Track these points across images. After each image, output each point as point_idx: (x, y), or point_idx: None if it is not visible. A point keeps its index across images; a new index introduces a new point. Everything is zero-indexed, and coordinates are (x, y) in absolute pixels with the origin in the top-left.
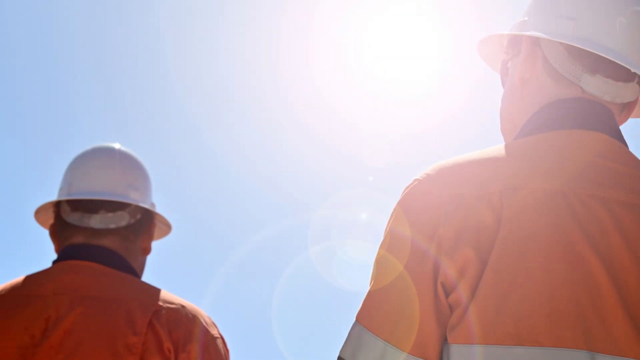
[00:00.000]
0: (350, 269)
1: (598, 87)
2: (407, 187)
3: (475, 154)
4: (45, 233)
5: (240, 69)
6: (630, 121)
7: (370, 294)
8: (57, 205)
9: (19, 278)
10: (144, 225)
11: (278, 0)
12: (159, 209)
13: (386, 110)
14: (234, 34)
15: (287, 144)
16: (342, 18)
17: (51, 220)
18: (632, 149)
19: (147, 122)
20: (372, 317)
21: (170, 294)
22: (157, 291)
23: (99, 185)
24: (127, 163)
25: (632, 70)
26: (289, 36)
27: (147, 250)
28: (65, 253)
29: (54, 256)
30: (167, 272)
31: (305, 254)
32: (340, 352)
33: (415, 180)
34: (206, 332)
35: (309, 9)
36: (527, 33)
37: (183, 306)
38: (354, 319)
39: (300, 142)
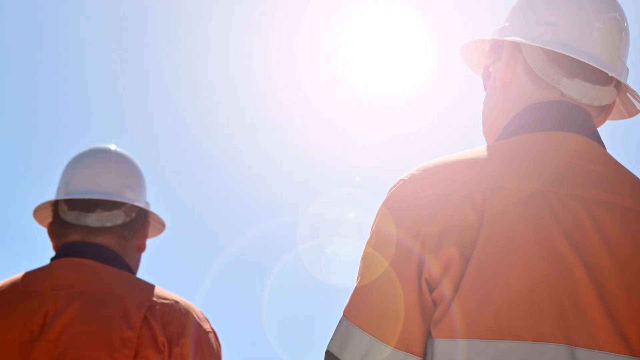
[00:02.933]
0: (338, 266)
1: (577, 90)
2: (393, 187)
3: (459, 155)
4: (43, 231)
5: (230, 72)
6: (609, 123)
7: (357, 290)
8: (55, 204)
9: (18, 274)
10: (139, 223)
11: (268, 6)
12: (153, 208)
13: (373, 113)
14: (224, 37)
15: (277, 145)
16: (330, 23)
17: (49, 219)
18: (609, 149)
19: (141, 124)
20: (359, 313)
21: (164, 290)
22: (151, 287)
23: (95, 185)
24: (122, 163)
25: (610, 74)
26: (278, 40)
27: (141, 248)
28: (62, 250)
29: (52, 253)
30: (161, 269)
31: (294, 251)
32: (328, 346)
33: (400, 180)
34: (199, 326)
35: (297, 13)
36: (508, 38)
37: (176, 302)
38: (341, 314)
39: (289, 143)
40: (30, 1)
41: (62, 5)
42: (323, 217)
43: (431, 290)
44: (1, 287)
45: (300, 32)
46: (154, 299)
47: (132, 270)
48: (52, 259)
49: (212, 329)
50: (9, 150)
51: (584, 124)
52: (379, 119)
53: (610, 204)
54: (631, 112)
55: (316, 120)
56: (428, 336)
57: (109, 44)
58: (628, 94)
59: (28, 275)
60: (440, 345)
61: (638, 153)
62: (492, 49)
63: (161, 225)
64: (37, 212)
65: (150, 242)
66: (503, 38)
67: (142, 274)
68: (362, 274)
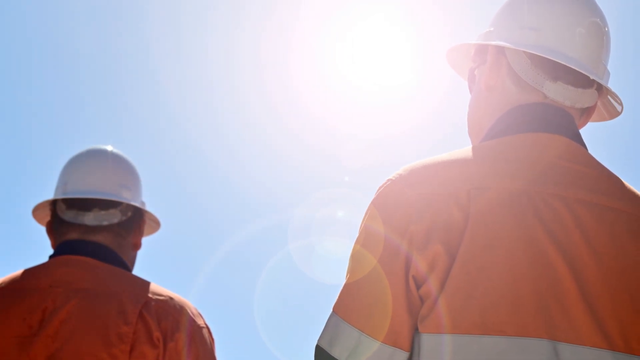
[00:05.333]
0: (328, 263)
1: (559, 93)
2: (381, 187)
3: (445, 155)
4: (42, 229)
5: (224, 73)
6: (591, 125)
7: (346, 287)
8: (53, 203)
9: (17, 272)
10: (135, 222)
11: (262, 9)
12: (148, 207)
13: (362, 115)
14: (220, 39)
15: (269, 146)
16: (322, 27)
17: (48, 218)
18: (591, 150)
19: (136, 125)
20: (348, 308)
21: (159, 287)
22: (147, 284)
23: (92, 185)
24: (118, 164)
25: (591, 77)
26: (273, 43)
27: (137, 246)
28: (61, 248)
29: (51, 251)
30: (156, 266)
31: (285, 249)
32: (318, 341)
33: (388, 180)
34: (193, 322)
35: (291, 17)
36: (493, 42)
37: (171, 298)
38: (331, 310)
39: (281, 144)
40: (28, 3)
41: (60, 7)
42: (313, 216)
43: (418, 287)
44: (1, 284)
45: (293, 35)
46: (150, 295)
47: (128, 267)
48: (51, 257)
49: (205, 324)
50: (10, 152)
51: (566, 125)
52: (368, 121)
53: (591, 203)
54: (612, 114)
55: (307, 122)
56: (415, 331)
57: (105, 45)
58: (609, 97)
59: (27, 273)
60: (426, 340)
61: (618, 154)
62: (477, 53)
63: (156, 224)
64: (36, 211)
65: (145, 240)
66: (488, 42)
67: (137, 271)
68: (351, 271)
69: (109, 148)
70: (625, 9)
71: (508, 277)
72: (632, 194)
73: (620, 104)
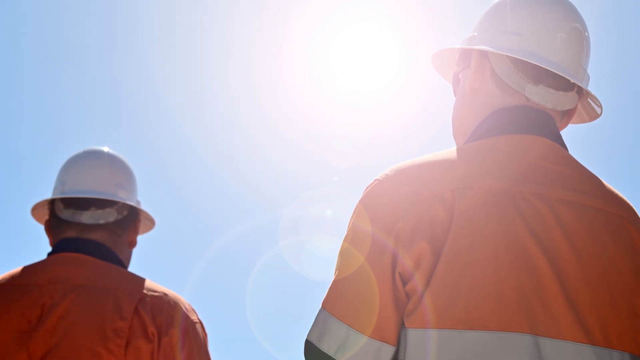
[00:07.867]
0: (317, 261)
1: (541, 96)
2: (368, 187)
3: (430, 156)
4: (41, 228)
5: (217, 75)
6: (572, 127)
7: (334, 283)
8: (51, 202)
9: (17, 269)
10: (130, 221)
11: (254, 15)
12: (143, 206)
13: (350, 117)
14: (212, 41)
15: (261, 147)
16: (312, 30)
17: (46, 217)
18: (572, 151)
19: (131, 126)
20: (337, 304)
21: (154, 283)
22: (142, 280)
23: (89, 185)
24: (115, 164)
25: (571, 80)
26: (264, 47)
27: (133, 244)
28: (59, 246)
29: (49, 249)
30: (151, 263)
31: (276, 247)
32: (308, 335)
33: (375, 180)
34: (186, 317)
35: (282, 20)
36: (477, 47)
37: (165, 294)
38: (320, 306)
39: (272, 145)
40: (26, 3)
41: (58, 8)
42: (303, 214)
43: (404, 283)
44: (1, 280)
45: (283, 37)
46: (145, 291)
47: (124, 264)
48: (49, 254)
49: (199, 319)
50: (10, 152)
51: (547, 127)
52: (356, 123)
53: (571, 202)
54: (592, 116)
55: (298, 124)
56: (401, 326)
57: (101, 46)
58: (589, 99)
59: (26, 270)
60: (412, 335)
61: (598, 155)
62: (462, 57)
63: (151, 223)
64: (35, 210)
65: (140, 238)
66: (472, 47)
67: (133, 268)
68: (340, 268)
69: (105, 149)
70: (604, 14)
71: (491, 274)
72: (612, 193)
73: (600, 106)
